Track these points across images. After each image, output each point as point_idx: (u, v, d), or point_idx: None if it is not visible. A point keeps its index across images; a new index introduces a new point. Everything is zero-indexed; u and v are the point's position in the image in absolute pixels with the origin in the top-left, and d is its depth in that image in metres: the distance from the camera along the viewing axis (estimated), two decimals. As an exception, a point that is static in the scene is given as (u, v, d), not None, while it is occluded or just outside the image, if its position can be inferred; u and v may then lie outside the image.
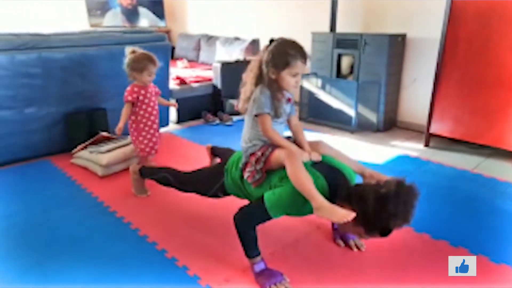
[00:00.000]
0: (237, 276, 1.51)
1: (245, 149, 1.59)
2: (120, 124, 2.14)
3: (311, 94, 3.75)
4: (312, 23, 3.97)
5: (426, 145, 3.05)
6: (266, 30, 4.55)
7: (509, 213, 2.00)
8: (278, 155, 1.46)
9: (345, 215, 1.26)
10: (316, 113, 3.76)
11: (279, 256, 1.64)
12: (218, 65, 3.79)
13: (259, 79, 1.51)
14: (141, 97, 2.23)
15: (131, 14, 5.62)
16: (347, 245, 1.71)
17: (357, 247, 1.69)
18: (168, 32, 6.03)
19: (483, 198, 2.17)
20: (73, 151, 2.65)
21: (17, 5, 4.78)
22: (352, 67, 3.51)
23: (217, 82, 3.83)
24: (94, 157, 2.47)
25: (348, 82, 3.48)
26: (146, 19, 5.75)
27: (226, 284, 1.47)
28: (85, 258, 1.62)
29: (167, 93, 3.33)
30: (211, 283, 1.46)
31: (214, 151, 2.39)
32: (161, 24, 5.77)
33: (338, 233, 1.75)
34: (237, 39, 4.58)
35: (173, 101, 2.54)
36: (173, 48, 5.70)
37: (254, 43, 4.27)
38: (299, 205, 1.39)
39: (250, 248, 1.47)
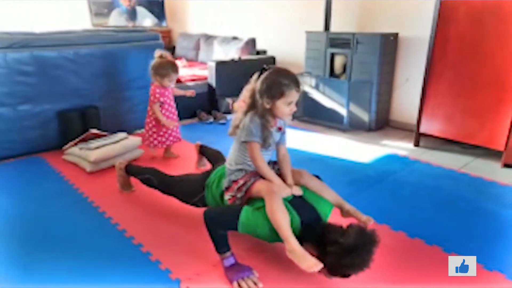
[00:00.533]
0: (207, 270, 1.54)
1: (229, 172, 1.62)
2: (164, 121, 2.58)
3: (305, 93, 3.77)
4: (308, 22, 3.98)
5: (416, 144, 3.04)
6: (263, 29, 4.58)
7: (489, 212, 2.00)
8: (259, 189, 1.49)
9: (313, 265, 1.29)
10: (310, 112, 3.78)
11: (254, 252, 1.66)
12: (213, 64, 3.83)
13: (251, 107, 1.53)
14: (162, 98, 2.59)
15: (133, 14, 5.69)
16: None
17: (331, 245, 1.71)
18: (169, 31, 6.09)
19: (466, 198, 2.16)
20: (64, 147, 2.70)
21: (20, 5, 4.87)
22: (345, 66, 3.51)
23: (212, 81, 3.87)
24: (83, 153, 2.52)
25: (340, 82, 3.48)
26: (149, 19, 5.82)
27: (196, 277, 1.50)
28: (62, 252, 1.66)
29: (160, 91, 3.37)
30: (181, 277, 1.50)
31: (203, 151, 2.42)
32: (163, 24, 5.83)
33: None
34: (234, 38, 4.60)
35: (190, 91, 2.71)
36: (173, 48, 5.76)
37: (250, 42, 4.29)
38: (269, 236, 1.43)
39: (220, 244, 1.49)
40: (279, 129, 1.60)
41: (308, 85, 3.73)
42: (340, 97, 3.45)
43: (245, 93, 1.56)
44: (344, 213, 1.65)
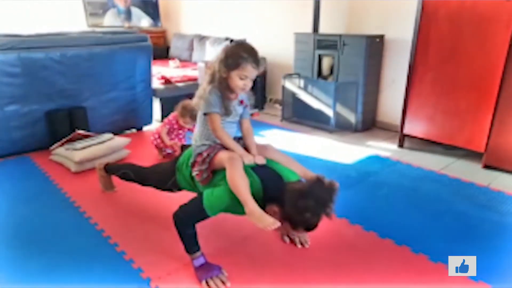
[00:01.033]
0: (179, 269, 1.58)
1: (194, 148, 1.66)
2: (167, 142, 2.75)
3: (294, 95, 3.80)
4: (299, 23, 4.01)
5: (400, 145, 3.07)
6: (255, 30, 4.61)
7: (462, 213, 2.03)
8: (220, 158, 1.53)
9: (270, 224, 1.33)
10: (299, 113, 3.81)
11: (225, 252, 1.70)
12: (202, 65, 3.86)
13: (213, 77, 1.57)
14: (170, 127, 2.82)
15: (128, 15, 5.74)
16: (292, 241, 1.76)
17: (302, 244, 1.74)
18: (163, 32, 6.13)
19: (442, 198, 2.20)
20: (51, 148, 2.75)
21: (17, 5, 4.92)
22: (332, 67, 3.54)
23: (202, 81, 3.90)
24: (69, 153, 2.56)
25: (326, 83, 3.52)
26: (144, 20, 5.87)
27: (167, 277, 1.54)
28: (39, 250, 1.70)
29: (149, 92, 3.42)
30: (152, 276, 1.54)
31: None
32: (158, 24, 5.87)
33: (284, 230, 1.80)
34: (227, 39, 4.64)
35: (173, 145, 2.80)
36: (167, 48, 5.81)
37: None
38: (234, 206, 1.46)
39: (190, 244, 1.53)
40: (241, 102, 1.64)
41: (296, 86, 3.77)
42: (327, 98, 3.48)
43: (209, 65, 1.61)
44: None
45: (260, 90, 4.26)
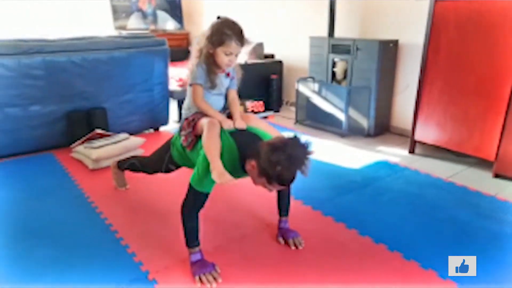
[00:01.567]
0: (176, 264, 1.67)
1: (183, 115, 1.78)
2: None
3: (308, 98, 3.84)
4: (315, 27, 4.04)
5: (411, 151, 3.06)
6: (272, 33, 4.68)
7: (462, 221, 2.02)
8: (202, 123, 1.63)
9: (227, 180, 1.41)
10: (313, 116, 3.85)
11: (222, 250, 1.78)
12: (219, 68, 3.97)
13: (201, 52, 1.68)
14: None
15: (153, 18, 5.93)
16: (286, 243, 1.82)
17: (295, 245, 1.80)
18: (187, 34, 6.29)
19: (444, 206, 2.19)
20: (72, 145, 2.92)
21: (46, 8, 5.20)
22: (346, 72, 3.56)
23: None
24: (87, 151, 2.72)
25: (339, 87, 3.54)
26: (170, 22, 6.05)
27: (164, 270, 1.63)
28: (50, 241, 1.84)
29: (166, 94, 3.55)
30: (150, 269, 1.63)
31: None
32: (181, 27, 6.05)
33: (281, 231, 1.86)
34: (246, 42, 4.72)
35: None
36: (188, 51, 5.95)
37: (258, 46, 4.40)
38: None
39: (191, 238, 1.61)
40: (228, 75, 1.74)
41: (310, 90, 3.80)
42: (340, 103, 3.50)
43: (198, 40, 1.69)
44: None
45: (276, 93, 4.32)
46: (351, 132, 3.50)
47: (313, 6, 4.11)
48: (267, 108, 4.24)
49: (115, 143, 2.80)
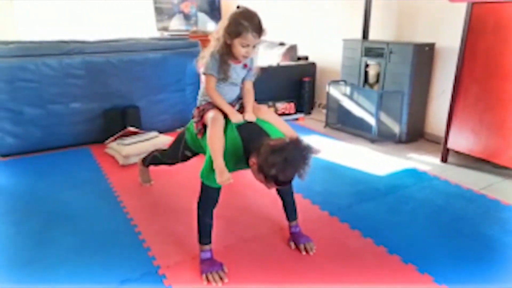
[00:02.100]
0: (187, 261, 1.72)
1: (197, 102, 1.82)
2: None
3: (339, 101, 3.78)
4: (350, 29, 3.98)
5: (443, 160, 2.93)
6: (305, 35, 4.66)
7: (486, 236, 1.92)
8: (207, 116, 1.66)
9: (226, 179, 1.44)
10: (344, 120, 3.79)
11: (232, 250, 1.81)
12: (251, 70, 4.01)
13: (218, 42, 1.67)
14: None
15: (194, 19, 6.10)
16: (297, 247, 1.82)
17: (306, 251, 1.79)
18: (225, 35, 6.40)
19: (470, 219, 2.08)
20: (106, 141, 3.09)
21: (92, 10, 5.51)
22: (378, 76, 3.47)
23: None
24: (118, 148, 2.87)
25: (370, 91, 3.46)
26: (211, 23, 6.20)
27: (174, 266, 1.69)
28: (74, 231, 1.96)
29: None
30: (161, 264, 1.70)
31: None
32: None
33: (293, 236, 1.86)
34: (281, 44, 4.74)
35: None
36: (226, 51, 6.06)
37: (292, 49, 4.39)
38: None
39: (204, 235, 1.65)
40: (245, 66, 1.74)
41: (342, 93, 3.74)
42: (371, 107, 3.42)
43: (217, 29, 1.69)
44: None
45: (308, 95, 4.30)
46: (382, 137, 3.41)
47: (348, 8, 4.04)
48: (298, 110, 4.23)
49: (144, 140, 2.93)
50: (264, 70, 4.06)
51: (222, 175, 1.46)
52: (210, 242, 1.67)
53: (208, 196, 1.63)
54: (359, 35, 3.72)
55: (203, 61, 1.70)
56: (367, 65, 3.56)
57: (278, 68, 4.12)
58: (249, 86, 1.80)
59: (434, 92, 3.36)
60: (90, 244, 1.85)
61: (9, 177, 2.65)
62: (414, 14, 3.38)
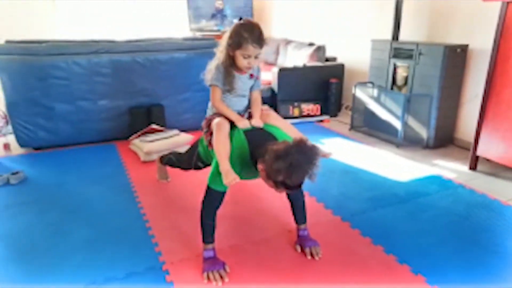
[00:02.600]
0: (191, 259, 1.74)
1: (206, 114, 1.85)
2: None
3: (365, 104, 3.69)
4: (380, 30, 3.86)
5: (472, 168, 2.77)
6: (334, 35, 4.58)
7: (507, 249, 1.79)
8: (213, 123, 1.67)
9: (231, 180, 1.44)
10: (370, 123, 3.68)
11: (237, 250, 1.81)
12: (276, 70, 3.99)
13: (221, 54, 1.71)
14: None
15: (224, 20, 6.17)
16: (303, 251, 1.79)
17: (312, 255, 1.75)
18: (256, 35, 6.41)
19: (491, 231, 1.96)
20: (130, 138, 3.18)
21: (127, 11, 5.71)
22: (407, 78, 3.34)
23: (275, 86, 4.04)
24: (141, 144, 2.95)
25: (396, 94, 3.34)
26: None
27: (178, 263, 1.72)
28: (89, 224, 2.04)
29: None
30: (166, 260, 1.73)
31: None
32: (250, 28, 6.19)
33: (300, 239, 1.83)
34: (311, 44, 4.68)
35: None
36: (256, 51, 6.07)
37: (320, 49, 4.32)
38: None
39: (206, 234, 1.67)
40: (251, 76, 1.74)
41: (368, 95, 3.64)
42: (397, 110, 3.30)
43: (221, 42, 1.72)
44: None
45: (335, 97, 4.21)
46: (408, 142, 3.28)
47: (378, 8, 3.92)
48: (324, 112, 4.16)
49: (166, 138, 2.99)
50: (289, 71, 4.06)
51: (228, 176, 1.47)
52: (212, 242, 1.68)
53: (212, 199, 1.64)
54: (389, 35, 3.60)
55: (209, 74, 1.73)
56: (395, 67, 3.44)
57: (304, 68, 4.07)
58: (256, 95, 1.81)
59: (466, 96, 3.19)
60: (102, 237, 1.92)
61: (39, 169, 2.80)
62: (447, 14, 3.23)
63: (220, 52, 1.71)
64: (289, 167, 1.33)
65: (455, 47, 3.02)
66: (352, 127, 3.78)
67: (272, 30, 6.11)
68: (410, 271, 1.66)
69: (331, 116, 4.21)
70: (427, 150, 3.20)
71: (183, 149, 3.01)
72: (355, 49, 4.30)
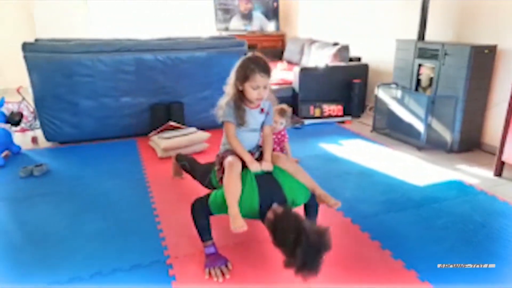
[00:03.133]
0: (194, 254, 1.76)
1: (220, 150, 1.84)
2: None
3: (388, 105, 3.59)
4: (404, 29, 3.75)
5: (497, 174, 2.64)
6: (358, 35, 4.49)
7: (527, 264, 1.70)
8: (226, 160, 1.67)
9: (238, 227, 1.47)
10: (392, 125, 3.58)
11: (242, 247, 1.82)
12: (297, 70, 3.97)
13: (231, 89, 1.74)
14: None
15: (250, 20, 6.19)
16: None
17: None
18: (282, 36, 6.40)
19: (508, 240, 1.86)
20: (149, 134, 3.26)
21: (159, 11, 5.84)
22: (432, 79, 3.23)
23: (296, 86, 4.01)
24: (159, 141, 3.01)
25: (419, 95, 3.23)
26: (268, 24, 6.25)
27: (182, 257, 1.74)
28: (102, 216, 2.10)
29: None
30: (172, 254, 1.76)
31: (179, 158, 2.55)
32: (277, 28, 6.19)
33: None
34: (335, 44, 4.61)
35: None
36: (281, 52, 6.05)
37: (343, 49, 4.26)
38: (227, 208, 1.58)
39: (203, 233, 1.69)
40: (262, 110, 1.75)
41: (391, 96, 3.55)
42: (420, 112, 3.20)
43: (230, 78, 1.74)
44: (316, 197, 1.70)
45: (358, 97, 4.13)
46: (431, 145, 3.17)
47: (404, 7, 3.81)
48: (346, 113, 4.09)
49: (183, 135, 3.04)
50: (310, 71, 4.02)
51: (236, 222, 1.49)
52: (211, 238, 1.69)
53: (207, 212, 1.66)
54: (413, 35, 3.49)
55: (221, 111, 1.75)
56: (420, 68, 3.33)
57: (326, 68, 4.02)
58: (268, 132, 1.83)
59: (494, 99, 3.04)
60: (113, 229, 1.98)
61: (62, 162, 2.91)
62: (476, 13, 3.09)
63: (229, 89, 1.74)
64: (303, 266, 1.31)
65: (483, 47, 2.88)
66: (374, 129, 3.69)
67: (298, 30, 6.07)
68: (416, 278, 1.60)
69: (353, 117, 4.14)
70: (451, 154, 3.08)
71: (200, 146, 3.06)
72: (380, 49, 4.20)
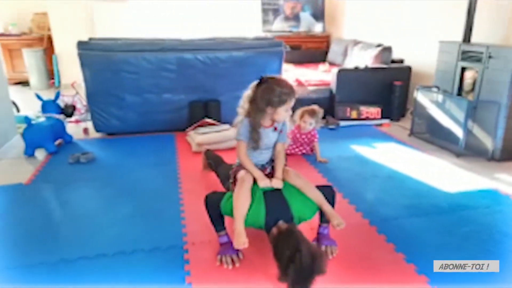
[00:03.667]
0: (210, 241, 1.86)
1: (236, 164, 1.94)
2: None
3: (427, 109, 3.47)
4: (449, 31, 3.61)
5: (539, 185, 2.48)
6: (402, 36, 4.37)
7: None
8: (238, 175, 1.78)
9: (240, 243, 1.56)
10: (431, 129, 3.46)
11: (256, 239, 1.86)
12: (335, 71, 3.95)
13: (251, 110, 1.79)
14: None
15: (297, 20, 6.22)
16: (319, 248, 1.80)
17: (326, 253, 1.76)
18: (327, 36, 6.36)
19: (538, 256, 1.76)
20: (187, 130, 3.43)
21: (205, 12, 6.07)
22: (475, 83, 3.09)
23: (333, 87, 4.00)
24: (194, 136, 3.17)
25: (460, 99, 3.10)
26: (314, 24, 6.25)
27: (199, 244, 1.86)
28: (133, 204, 2.27)
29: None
30: (189, 241, 1.88)
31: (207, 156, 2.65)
32: (323, 29, 6.17)
33: (318, 236, 1.85)
34: (379, 45, 4.53)
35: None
36: (326, 53, 6.02)
37: (385, 51, 4.17)
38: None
39: (217, 223, 1.79)
40: (275, 129, 1.81)
41: (431, 100, 3.42)
42: (460, 117, 3.06)
43: (245, 99, 1.80)
44: (324, 212, 1.73)
45: (399, 100, 4.03)
46: (471, 152, 3.03)
47: (450, 8, 3.66)
48: (385, 116, 4.00)
49: (217, 131, 3.17)
50: (349, 72, 3.98)
51: (239, 239, 1.58)
52: (224, 229, 1.79)
53: (216, 207, 1.74)
54: (458, 37, 3.35)
55: (237, 128, 1.84)
56: (463, 71, 3.19)
57: (365, 70, 3.96)
58: (280, 148, 1.89)
59: (543, 106, 2.84)
60: (141, 214, 2.15)
61: (107, 151, 3.17)
62: (527, 13, 2.91)
63: (247, 111, 1.80)
64: (293, 282, 1.38)
65: (531, 50, 2.71)
66: (412, 133, 3.59)
67: (343, 31, 6.01)
68: (426, 283, 1.58)
69: (393, 121, 4.04)
70: (491, 163, 2.92)
71: (233, 143, 3.17)
72: (424, 51, 4.06)
